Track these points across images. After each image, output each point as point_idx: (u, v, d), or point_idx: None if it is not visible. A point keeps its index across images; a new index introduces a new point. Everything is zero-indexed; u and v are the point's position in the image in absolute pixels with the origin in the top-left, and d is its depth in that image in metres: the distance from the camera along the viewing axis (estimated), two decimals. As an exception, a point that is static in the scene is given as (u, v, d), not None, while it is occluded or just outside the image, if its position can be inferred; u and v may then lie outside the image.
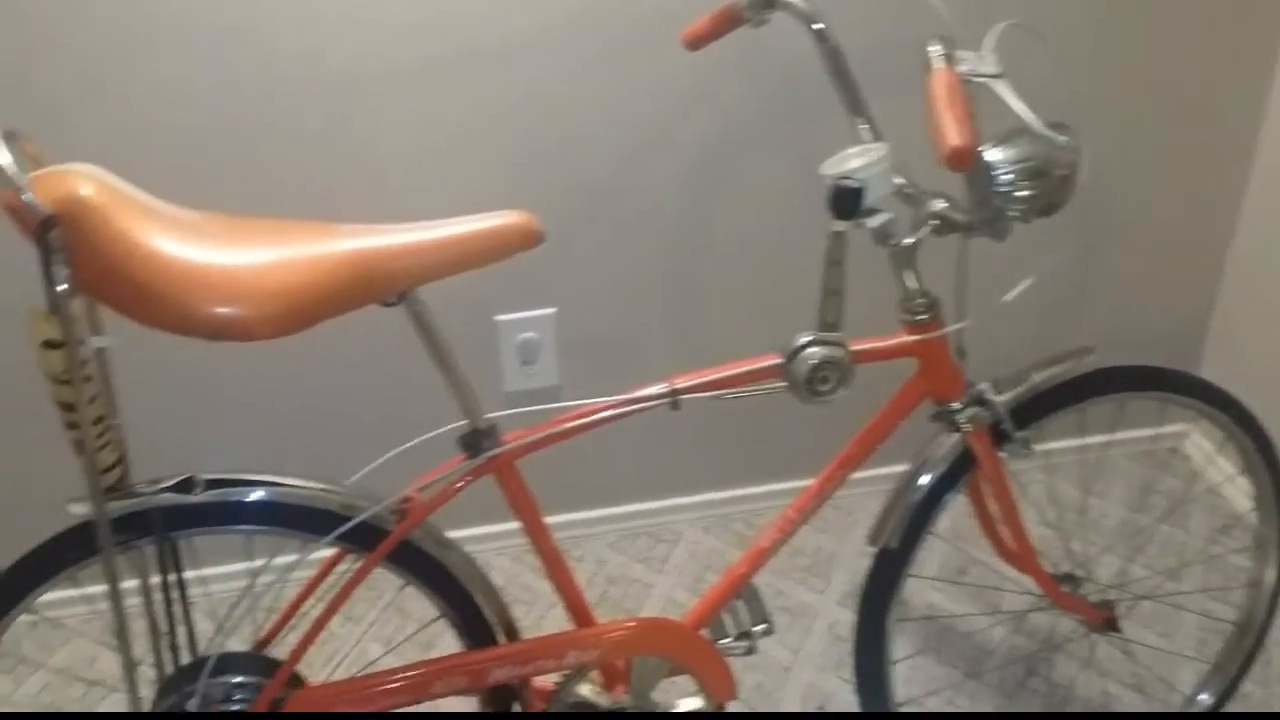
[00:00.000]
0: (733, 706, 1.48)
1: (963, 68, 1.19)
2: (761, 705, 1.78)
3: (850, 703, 1.79)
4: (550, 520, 1.33)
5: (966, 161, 1.09)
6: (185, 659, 1.31)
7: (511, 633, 1.38)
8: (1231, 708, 1.75)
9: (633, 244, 1.88)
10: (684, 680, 1.43)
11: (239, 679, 1.29)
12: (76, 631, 1.90)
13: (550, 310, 1.89)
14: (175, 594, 1.27)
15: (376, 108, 1.69)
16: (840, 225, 1.25)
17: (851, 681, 1.81)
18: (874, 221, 1.27)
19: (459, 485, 1.28)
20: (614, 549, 2.09)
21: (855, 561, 2.05)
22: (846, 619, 1.94)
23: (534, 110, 1.74)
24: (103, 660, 1.87)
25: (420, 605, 1.94)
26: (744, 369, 1.33)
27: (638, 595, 1.99)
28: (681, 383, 1.32)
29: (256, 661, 1.31)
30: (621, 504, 2.12)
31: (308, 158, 1.70)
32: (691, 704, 1.42)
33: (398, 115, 1.70)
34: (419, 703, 1.33)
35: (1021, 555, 1.50)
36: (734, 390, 1.33)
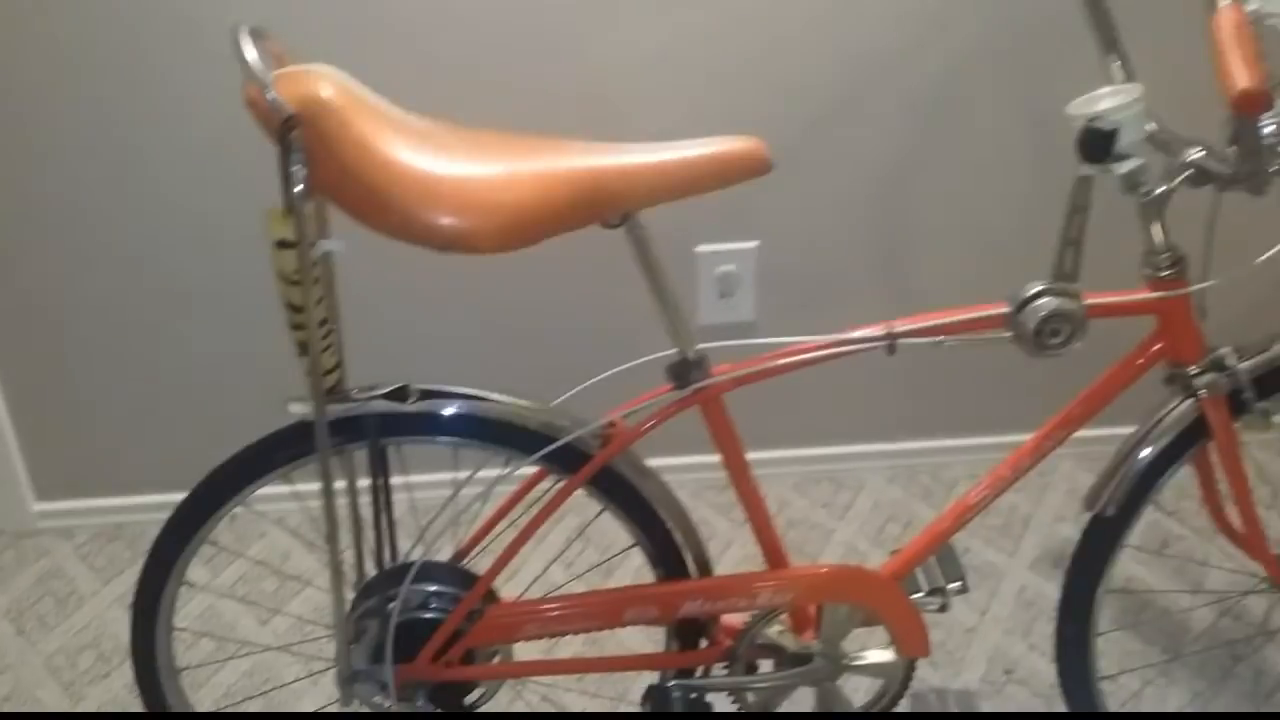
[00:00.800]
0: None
1: (1250, 6, 1.09)
2: (945, 665, 1.73)
3: (1036, 668, 1.72)
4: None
5: (1257, 105, 1.00)
6: (386, 563, 1.33)
7: (704, 567, 1.36)
8: None
9: (845, 180, 1.82)
10: (874, 632, 1.39)
11: (436, 588, 1.30)
12: (274, 525, 1.97)
13: (752, 244, 1.85)
14: (381, 499, 1.29)
15: (599, 20, 1.66)
16: (1088, 169, 1.18)
17: (1040, 648, 1.75)
18: (1124, 167, 1.19)
19: (664, 415, 1.26)
20: (796, 491, 2.05)
21: (1050, 526, 1.97)
22: (1036, 584, 1.87)
23: (758, 33, 1.68)
24: (296, 556, 1.93)
25: (603, 533, 1.94)
26: (968, 316, 1.27)
27: (818, 541, 1.95)
28: (900, 326, 1.26)
29: (455, 573, 1.32)
30: (806, 446, 2.07)
31: (526, 68, 1.68)
32: (883, 657, 1.38)
33: (621, 28, 1.66)
34: (608, 628, 1.33)
35: (1249, 535, 1.40)
36: (954, 337, 1.27)
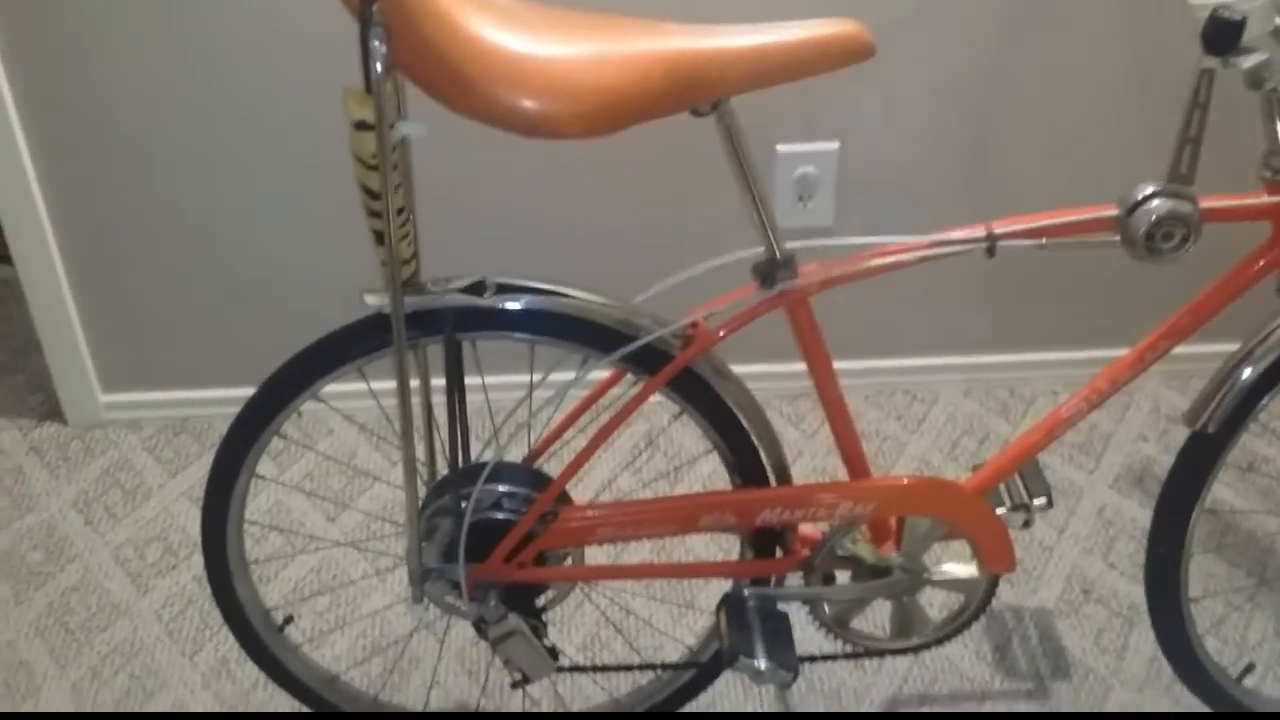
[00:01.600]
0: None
1: None
2: (1022, 584, 1.68)
3: (1115, 588, 1.68)
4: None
5: None
6: (458, 463, 1.30)
7: (783, 475, 1.32)
8: None
9: (933, 77, 1.73)
10: (949, 547, 1.35)
11: (509, 489, 1.27)
12: (342, 422, 1.95)
13: (834, 144, 1.78)
14: (456, 396, 1.25)
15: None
16: (1210, 62, 1.11)
17: (1119, 568, 1.70)
18: (1249, 61, 1.12)
19: (750, 315, 1.21)
20: (869, 403, 2.00)
21: (1132, 445, 1.91)
22: (1117, 503, 1.81)
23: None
24: (362, 454, 1.92)
25: (670, 439, 1.91)
26: (1074, 218, 1.20)
27: (890, 453, 1.91)
28: (1001, 227, 1.20)
29: (528, 474, 1.29)
30: (879, 357, 2.01)
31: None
32: (965, 572, 1.34)
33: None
34: (683, 534, 1.30)
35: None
36: (1059, 240, 1.21)
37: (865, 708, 1.55)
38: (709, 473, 1.86)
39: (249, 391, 1.26)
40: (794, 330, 1.24)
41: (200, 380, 1.95)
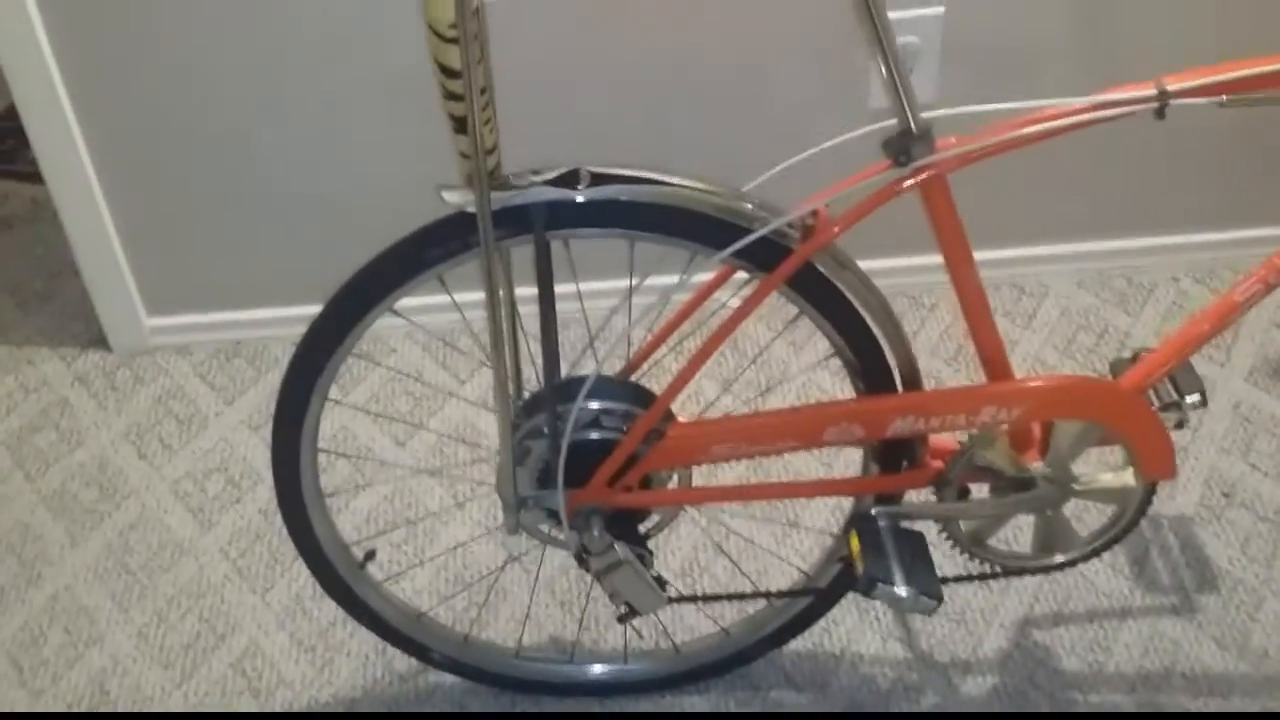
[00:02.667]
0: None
1: None
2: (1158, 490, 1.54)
3: (1259, 490, 1.53)
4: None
5: None
6: (550, 379, 1.16)
7: (913, 380, 1.18)
8: None
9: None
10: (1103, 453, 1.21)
11: (608, 405, 1.14)
12: (405, 339, 1.81)
13: (938, 9, 1.59)
14: (548, 303, 1.11)
15: None
16: None
17: (1261, 468, 1.56)
18: None
19: (882, 198, 1.06)
20: (972, 298, 1.84)
21: (1265, 333, 1.74)
22: (1253, 397, 1.66)
23: None
24: (429, 371, 1.78)
25: (762, 348, 1.77)
26: (1257, 70, 1.04)
27: (998, 352, 1.76)
28: (1173, 84, 1.04)
29: (630, 389, 1.16)
30: (983, 249, 1.83)
31: None
32: (1120, 480, 1.20)
33: None
34: (805, 449, 1.16)
35: None
36: (1239, 96, 1.04)
37: (994, 629, 1.42)
38: (803, 384, 1.72)
39: (305, 310, 1.13)
40: (930, 215, 1.09)
41: (252, 300, 1.81)
